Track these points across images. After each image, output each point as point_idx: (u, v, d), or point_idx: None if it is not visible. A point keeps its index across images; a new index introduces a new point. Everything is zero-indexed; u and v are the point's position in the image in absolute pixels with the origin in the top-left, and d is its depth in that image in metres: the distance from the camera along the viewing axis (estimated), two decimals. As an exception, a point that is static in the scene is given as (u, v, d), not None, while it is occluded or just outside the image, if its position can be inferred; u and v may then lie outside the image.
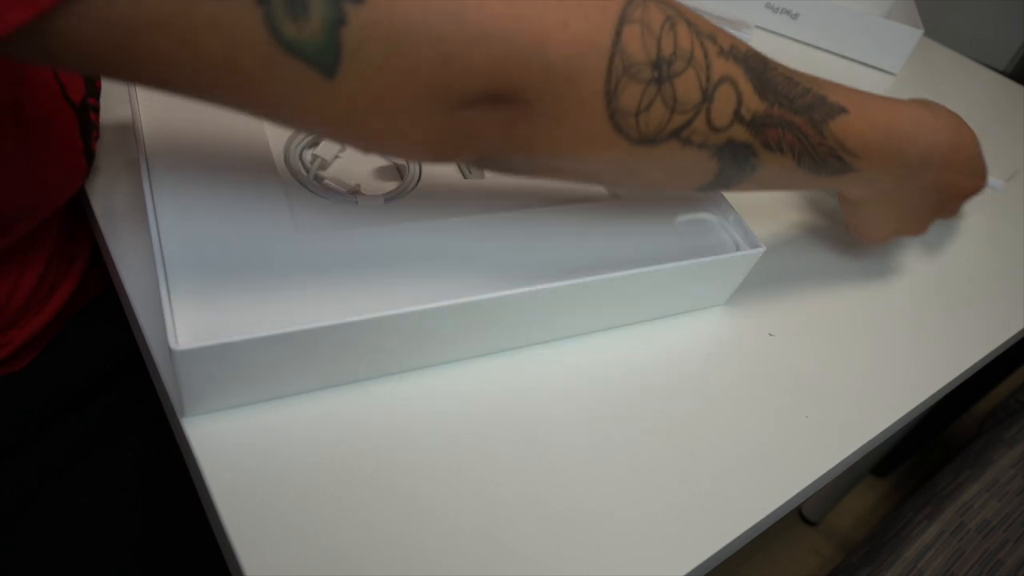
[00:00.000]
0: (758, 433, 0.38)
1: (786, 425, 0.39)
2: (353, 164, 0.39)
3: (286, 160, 0.37)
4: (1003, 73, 0.75)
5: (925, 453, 1.14)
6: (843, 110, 0.36)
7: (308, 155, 0.38)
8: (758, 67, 0.32)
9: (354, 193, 0.37)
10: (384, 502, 0.32)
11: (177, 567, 0.41)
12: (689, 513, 0.34)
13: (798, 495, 0.37)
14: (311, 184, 0.37)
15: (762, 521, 0.35)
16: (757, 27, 0.69)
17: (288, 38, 0.22)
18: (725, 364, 0.41)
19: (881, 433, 0.41)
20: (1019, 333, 0.50)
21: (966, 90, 0.71)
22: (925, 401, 0.43)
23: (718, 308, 0.44)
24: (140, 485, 0.43)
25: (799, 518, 1.10)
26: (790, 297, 0.46)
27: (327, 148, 0.39)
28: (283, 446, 0.32)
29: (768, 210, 0.52)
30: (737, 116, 0.32)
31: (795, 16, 0.68)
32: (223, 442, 0.32)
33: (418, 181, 0.39)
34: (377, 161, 0.40)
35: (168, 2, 0.20)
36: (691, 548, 0.33)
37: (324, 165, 0.38)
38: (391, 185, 0.38)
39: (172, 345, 0.27)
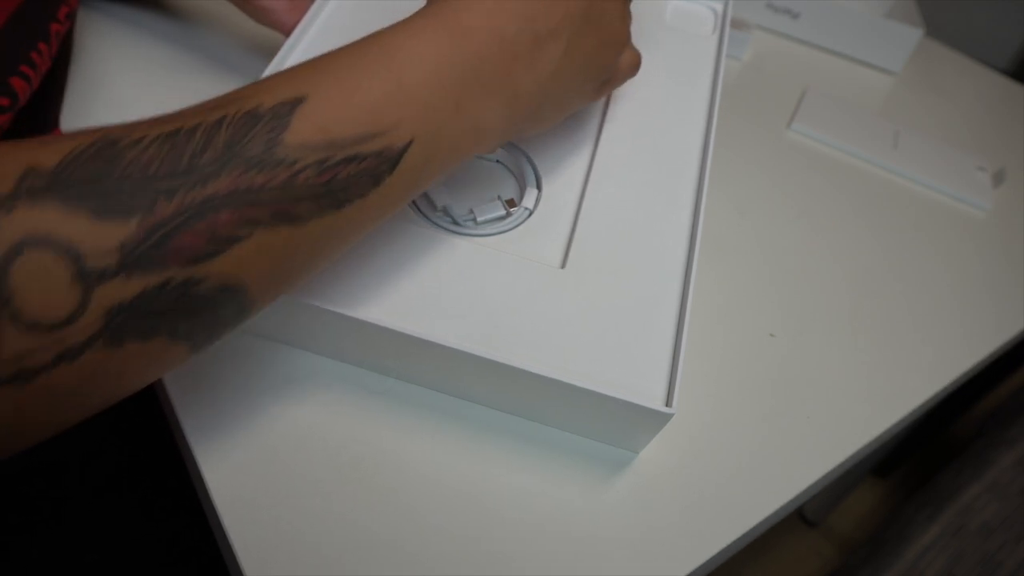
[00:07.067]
0: (758, 433, 0.38)
1: (786, 425, 0.39)
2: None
3: None
4: (1003, 73, 0.75)
5: (926, 454, 1.14)
6: (299, 101, 0.24)
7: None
8: (79, 177, 0.21)
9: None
10: (385, 504, 0.32)
11: (177, 567, 0.41)
12: (689, 513, 0.34)
13: (799, 496, 0.37)
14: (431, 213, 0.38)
15: (763, 522, 0.35)
16: (757, 27, 0.69)
17: None
18: (726, 365, 0.41)
19: (882, 433, 0.41)
20: (1020, 333, 0.50)
21: (966, 90, 0.71)
22: (926, 401, 0.43)
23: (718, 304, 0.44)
24: (140, 479, 0.43)
25: (800, 519, 1.10)
26: (790, 297, 0.46)
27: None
28: (284, 447, 0.32)
29: (768, 209, 0.52)
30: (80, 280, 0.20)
31: (796, 16, 0.68)
32: (225, 444, 0.32)
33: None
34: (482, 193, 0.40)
35: None
36: (692, 548, 0.33)
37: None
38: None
39: None
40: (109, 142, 0.22)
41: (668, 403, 0.32)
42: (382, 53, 0.27)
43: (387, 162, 0.26)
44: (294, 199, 0.24)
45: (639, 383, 0.33)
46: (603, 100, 0.44)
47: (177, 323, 0.23)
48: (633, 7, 0.49)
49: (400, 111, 0.26)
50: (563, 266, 0.36)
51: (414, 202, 0.37)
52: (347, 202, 0.25)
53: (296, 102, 0.24)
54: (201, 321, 0.24)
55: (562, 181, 0.40)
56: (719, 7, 0.50)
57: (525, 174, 0.40)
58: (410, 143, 0.26)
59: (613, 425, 0.34)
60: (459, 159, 0.30)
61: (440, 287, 0.34)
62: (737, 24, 0.65)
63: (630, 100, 0.44)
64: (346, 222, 0.26)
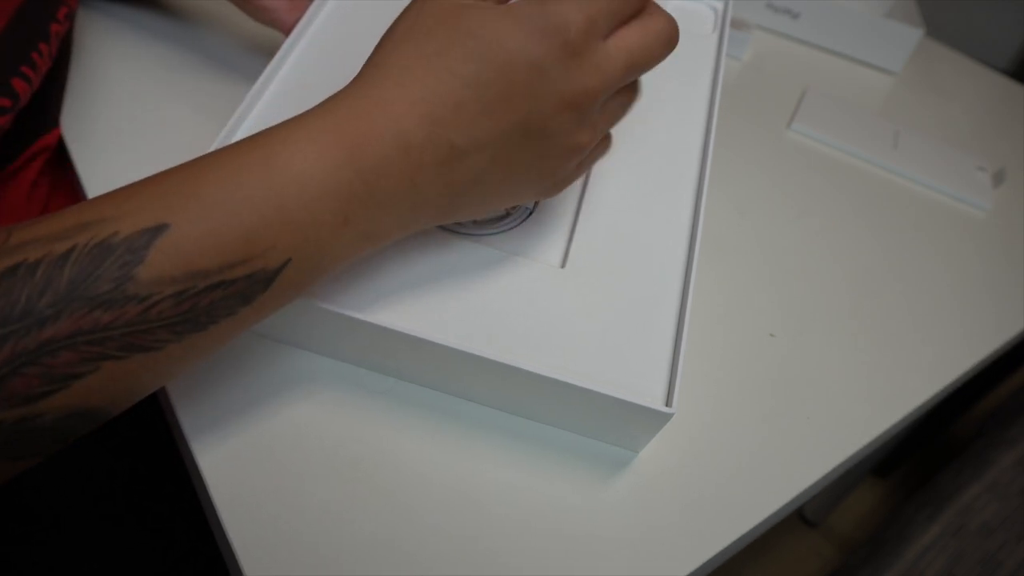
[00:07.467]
0: (758, 433, 0.38)
1: (786, 425, 0.39)
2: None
3: None
4: (1003, 73, 0.75)
5: (926, 454, 1.14)
6: (159, 229, 0.22)
7: None
8: None
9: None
10: (385, 503, 0.32)
11: (177, 568, 0.41)
12: (689, 513, 0.34)
13: (799, 496, 0.37)
14: None
15: (763, 522, 0.35)
16: (757, 27, 0.69)
17: None
18: (726, 365, 0.41)
19: (882, 434, 0.41)
20: (1020, 333, 0.50)
21: (966, 90, 0.71)
22: (926, 401, 0.43)
23: (717, 303, 0.44)
24: (137, 484, 0.43)
25: (800, 519, 1.10)
26: (790, 297, 0.46)
27: None
28: (284, 447, 0.32)
29: (768, 209, 0.52)
30: None
31: (796, 16, 0.68)
32: (224, 443, 0.32)
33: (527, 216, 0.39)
34: None
35: None
36: (692, 549, 0.33)
37: None
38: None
39: None
40: None
41: (668, 403, 0.32)
42: (262, 170, 0.24)
43: (260, 283, 0.24)
44: (147, 331, 0.22)
45: (639, 383, 0.33)
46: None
47: (18, 451, 0.22)
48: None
49: (276, 234, 0.24)
50: (563, 266, 0.36)
51: None
52: (212, 324, 0.24)
53: (156, 231, 0.22)
54: (47, 443, 0.22)
55: (562, 181, 0.40)
56: (719, 6, 0.50)
57: None
58: (287, 262, 0.24)
59: (613, 425, 0.34)
60: (354, 259, 0.27)
61: (440, 287, 0.34)
62: (737, 24, 0.65)
63: (630, 100, 0.44)
64: (213, 339, 0.24)
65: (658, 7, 0.29)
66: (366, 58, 0.28)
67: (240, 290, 0.23)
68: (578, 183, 0.40)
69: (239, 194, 0.23)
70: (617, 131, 0.42)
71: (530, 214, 0.38)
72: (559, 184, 0.31)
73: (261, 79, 0.38)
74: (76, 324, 0.21)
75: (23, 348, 0.20)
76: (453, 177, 0.27)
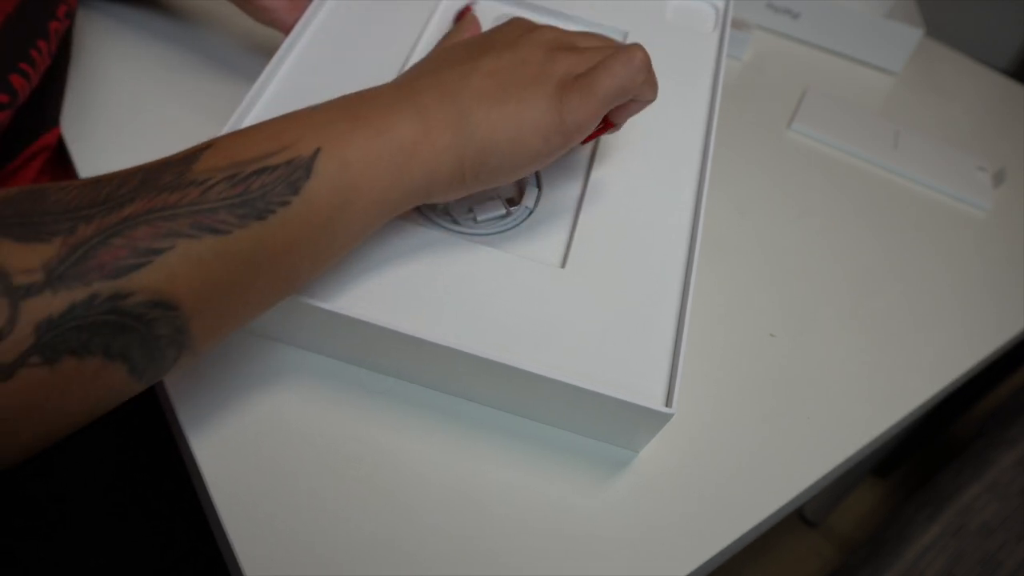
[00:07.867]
0: (758, 433, 0.38)
1: (786, 425, 0.39)
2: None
3: None
4: (1003, 73, 0.75)
5: (926, 454, 1.14)
6: (207, 147, 0.27)
7: None
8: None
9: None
10: (384, 503, 0.32)
11: (177, 567, 0.41)
12: (690, 513, 0.34)
13: (799, 496, 0.37)
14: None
15: (763, 522, 0.35)
16: (757, 27, 0.69)
17: None
18: (726, 365, 0.41)
19: (882, 433, 0.41)
20: (1020, 333, 0.50)
21: (966, 90, 0.71)
22: (926, 401, 0.43)
23: (718, 306, 0.44)
24: (140, 474, 0.43)
25: (800, 519, 1.10)
26: (790, 297, 0.46)
27: None
28: (284, 447, 0.32)
29: (768, 209, 0.52)
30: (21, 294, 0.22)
31: (796, 16, 0.68)
32: (224, 444, 0.32)
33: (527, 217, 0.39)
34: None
35: None
36: (692, 549, 0.33)
37: None
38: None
39: None
40: (37, 190, 0.24)
41: (668, 403, 0.32)
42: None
43: (300, 168, 0.27)
44: (211, 210, 0.25)
45: (639, 383, 0.33)
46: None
47: (110, 340, 0.23)
48: (634, 4, 0.49)
49: (299, 130, 0.28)
50: (563, 266, 0.36)
51: None
52: (269, 212, 0.26)
53: (204, 148, 0.27)
54: (136, 339, 0.24)
55: (562, 180, 0.40)
56: (720, 5, 0.50)
57: None
58: (317, 151, 0.28)
59: (613, 425, 0.34)
60: (391, 174, 0.29)
61: (440, 287, 0.34)
62: (737, 24, 0.65)
63: (630, 100, 0.44)
64: (276, 234, 0.26)
65: None
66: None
67: (284, 175, 0.27)
68: (578, 185, 0.40)
69: (267, 120, 0.29)
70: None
71: (530, 214, 0.38)
72: (565, 90, 0.32)
73: (261, 79, 0.38)
74: (148, 204, 0.24)
75: (107, 224, 0.23)
76: (445, 79, 0.32)
